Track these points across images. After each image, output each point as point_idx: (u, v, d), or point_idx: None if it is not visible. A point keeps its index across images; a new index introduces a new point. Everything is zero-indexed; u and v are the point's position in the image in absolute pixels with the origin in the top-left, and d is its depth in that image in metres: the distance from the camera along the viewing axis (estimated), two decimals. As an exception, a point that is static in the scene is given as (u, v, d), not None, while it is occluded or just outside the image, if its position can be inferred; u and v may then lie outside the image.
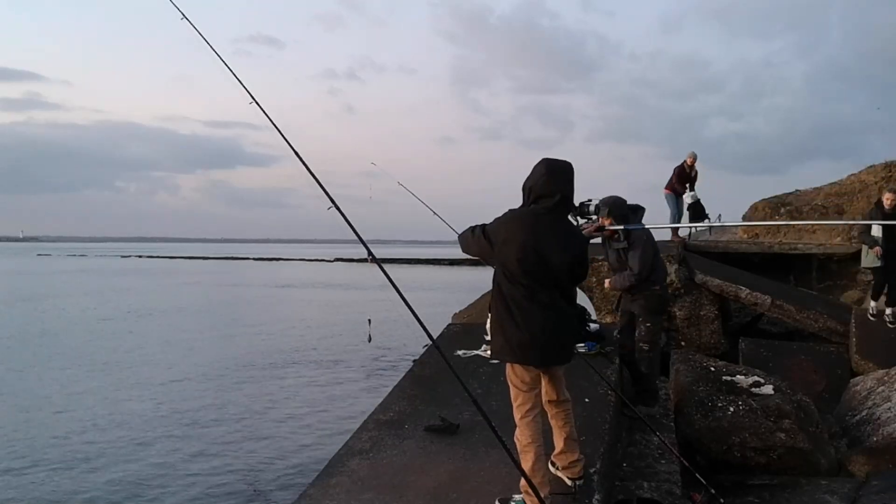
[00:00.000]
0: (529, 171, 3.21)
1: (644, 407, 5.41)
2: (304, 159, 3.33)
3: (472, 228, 3.25)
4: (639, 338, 5.49)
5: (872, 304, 8.00)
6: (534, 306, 3.07)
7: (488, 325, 3.53)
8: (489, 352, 3.56)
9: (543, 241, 3.06)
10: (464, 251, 3.33)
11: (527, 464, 2.96)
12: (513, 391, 3.16)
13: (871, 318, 7.86)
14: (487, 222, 3.23)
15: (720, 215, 11.84)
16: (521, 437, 3.05)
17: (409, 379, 5.25)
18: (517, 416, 3.10)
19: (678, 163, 11.48)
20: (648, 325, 5.42)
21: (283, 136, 3.54)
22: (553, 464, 3.35)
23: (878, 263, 7.74)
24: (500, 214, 3.21)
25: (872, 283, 8.19)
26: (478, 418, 2.85)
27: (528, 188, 3.16)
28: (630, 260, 5.28)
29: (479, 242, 3.18)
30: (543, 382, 3.24)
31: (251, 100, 3.68)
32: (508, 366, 3.18)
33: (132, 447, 8.59)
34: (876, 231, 7.63)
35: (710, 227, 12.51)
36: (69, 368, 13.89)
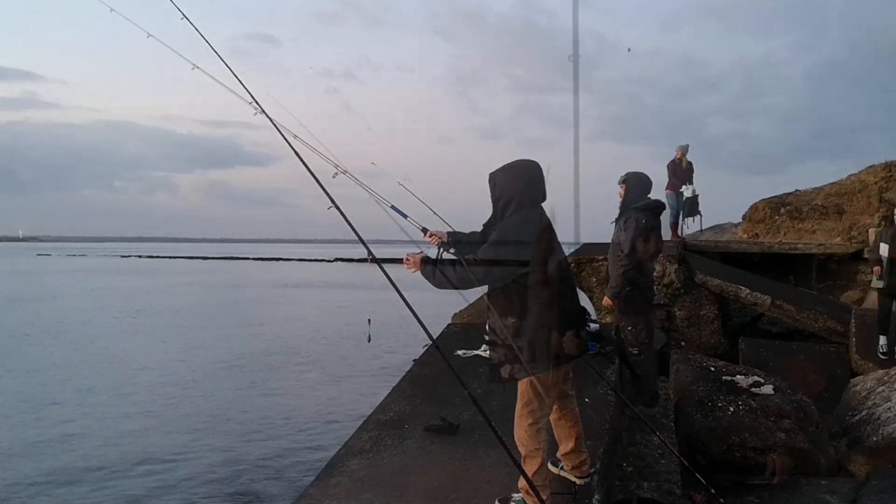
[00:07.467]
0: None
1: (644, 407, 5.38)
2: (303, 159, 3.33)
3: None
4: (626, 342, 5.37)
5: (882, 339, 7.25)
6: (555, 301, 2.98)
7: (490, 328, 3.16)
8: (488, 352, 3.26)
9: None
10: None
11: (531, 468, 2.90)
12: (528, 399, 2.95)
13: (882, 357, 7.20)
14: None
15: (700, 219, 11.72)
16: (529, 443, 2.94)
17: (408, 379, 5.25)
18: (526, 423, 2.95)
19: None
20: (630, 328, 5.30)
21: (283, 136, 3.53)
22: (556, 463, 3.35)
23: (880, 284, 7.30)
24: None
25: (877, 311, 7.43)
26: (478, 418, 2.84)
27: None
28: (622, 241, 5.11)
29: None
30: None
31: (251, 99, 3.66)
32: (530, 378, 2.95)
33: (132, 447, 8.60)
34: (883, 250, 7.25)
35: (702, 228, 12.41)
36: (69, 368, 13.89)
